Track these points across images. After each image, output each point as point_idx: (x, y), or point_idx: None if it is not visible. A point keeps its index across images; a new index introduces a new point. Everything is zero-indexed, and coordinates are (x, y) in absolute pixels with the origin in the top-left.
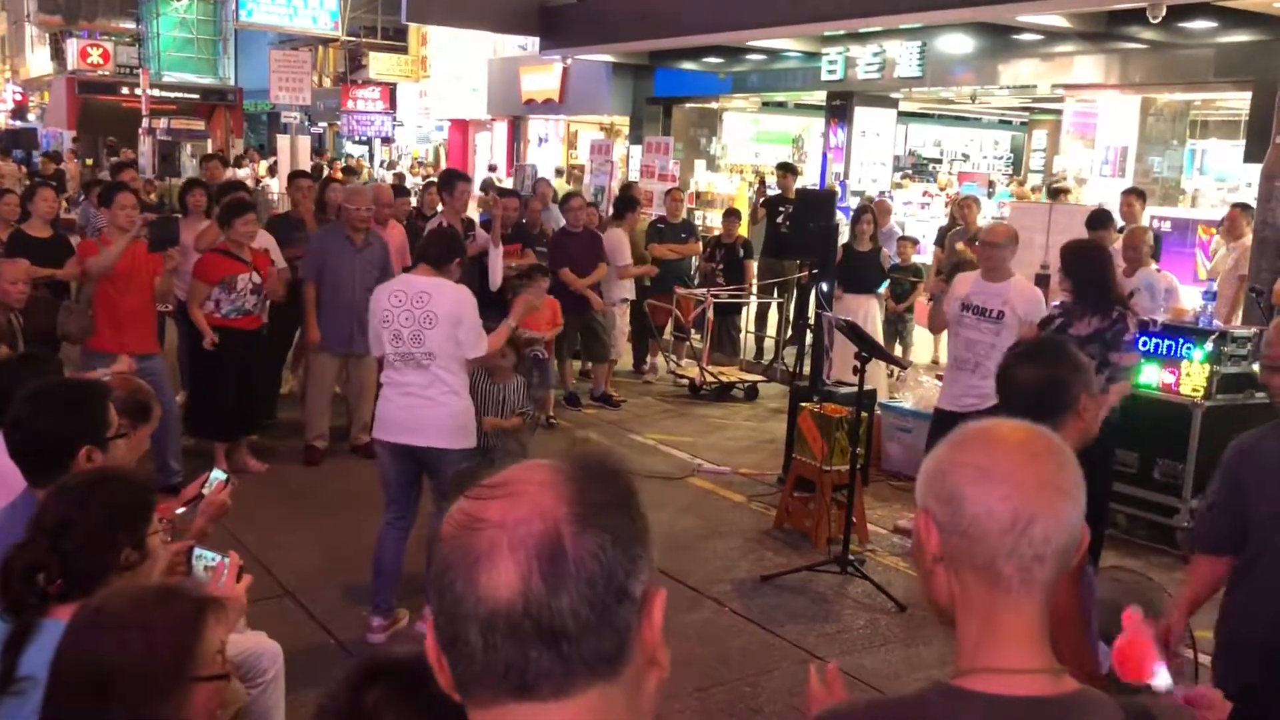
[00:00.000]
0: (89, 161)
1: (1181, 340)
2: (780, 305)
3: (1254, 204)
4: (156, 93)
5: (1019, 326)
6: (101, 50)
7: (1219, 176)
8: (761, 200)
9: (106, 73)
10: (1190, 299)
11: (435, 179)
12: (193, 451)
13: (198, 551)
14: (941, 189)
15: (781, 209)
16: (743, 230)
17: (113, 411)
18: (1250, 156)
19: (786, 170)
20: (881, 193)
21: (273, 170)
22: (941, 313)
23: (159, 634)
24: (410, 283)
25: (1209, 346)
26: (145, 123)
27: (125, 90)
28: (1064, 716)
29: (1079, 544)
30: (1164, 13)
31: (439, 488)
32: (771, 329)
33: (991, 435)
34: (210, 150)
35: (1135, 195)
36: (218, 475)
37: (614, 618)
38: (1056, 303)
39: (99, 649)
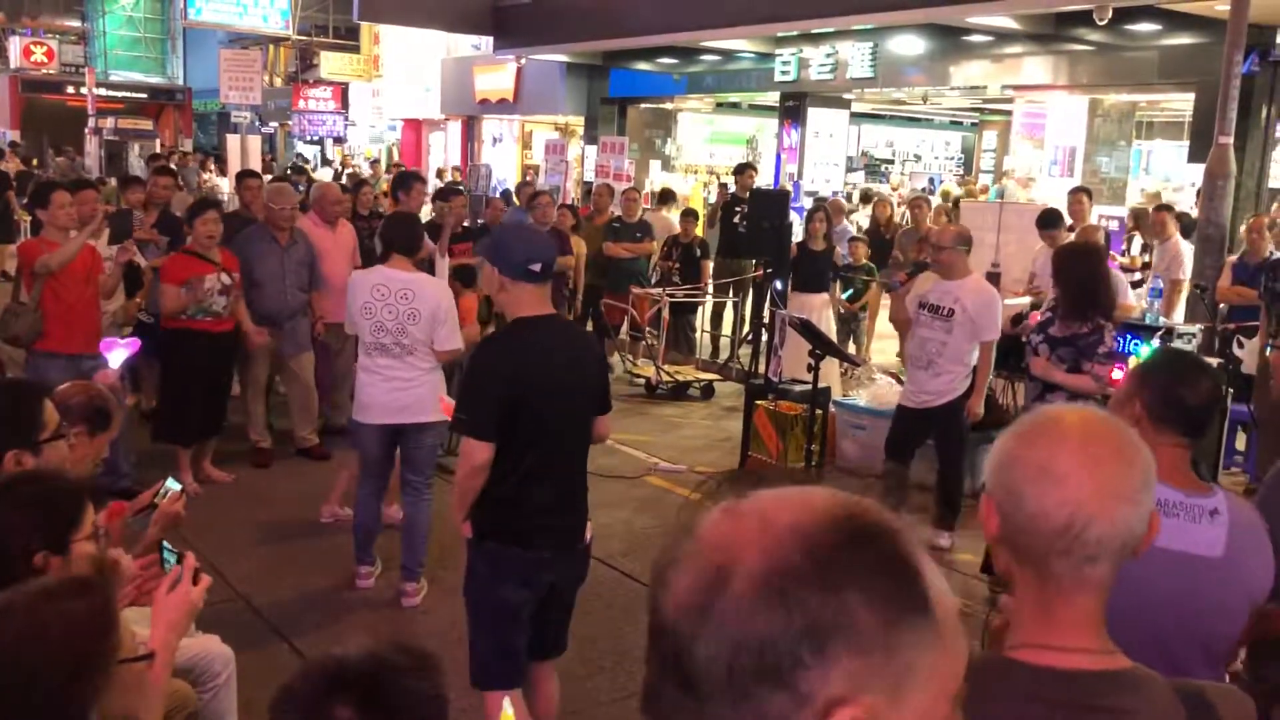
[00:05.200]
0: (34, 162)
1: (1129, 337)
2: (736, 304)
3: (1180, 205)
4: (103, 92)
5: (970, 325)
6: (46, 49)
7: (1164, 177)
8: (720, 203)
9: (51, 71)
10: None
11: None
12: (152, 459)
13: (167, 550)
14: (894, 189)
15: (737, 209)
16: (699, 231)
17: (50, 412)
18: (1194, 157)
19: (745, 169)
20: (835, 192)
21: (222, 170)
22: (903, 310)
23: (71, 627)
24: (390, 277)
25: (1155, 342)
26: (92, 122)
27: (71, 89)
28: (1110, 689)
29: (1144, 537)
30: (1110, 15)
31: (417, 461)
32: (727, 328)
33: (1059, 432)
34: (158, 149)
35: (1084, 193)
36: (172, 485)
37: (754, 700)
38: (1050, 299)
39: (7, 656)
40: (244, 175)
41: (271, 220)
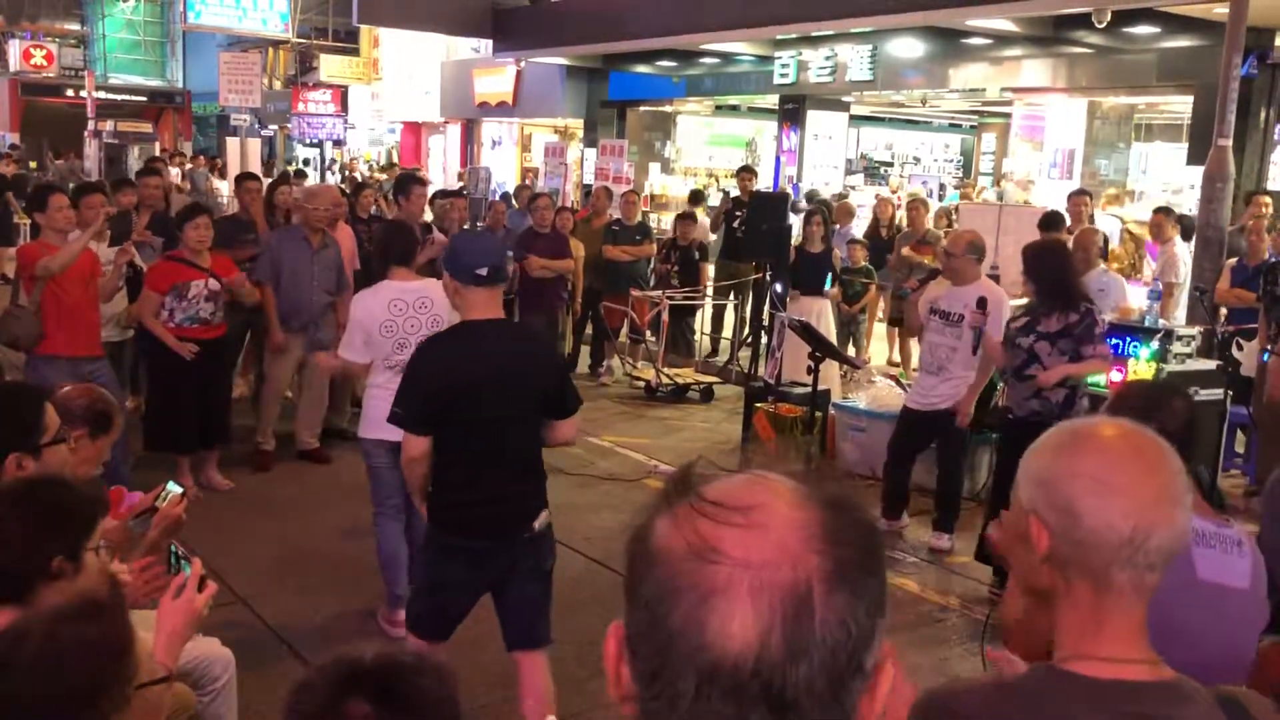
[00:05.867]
0: (33, 165)
1: (1129, 339)
2: (736, 307)
3: (1179, 208)
4: (103, 95)
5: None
6: (45, 52)
7: (1162, 183)
8: (724, 208)
9: (51, 74)
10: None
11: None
12: (153, 462)
13: (176, 555)
14: (893, 191)
15: (738, 213)
16: (700, 234)
17: (51, 415)
18: (1193, 159)
19: (746, 173)
20: (836, 195)
21: (222, 173)
22: (915, 315)
23: (87, 651)
24: (404, 289)
25: (1155, 345)
26: (91, 125)
27: (70, 92)
28: (1163, 700)
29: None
30: (1109, 18)
31: None
32: (727, 331)
33: (1106, 445)
34: (158, 152)
35: (1085, 196)
36: (173, 488)
37: (846, 695)
38: (1023, 303)
39: (23, 680)
40: (243, 178)
41: (305, 221)
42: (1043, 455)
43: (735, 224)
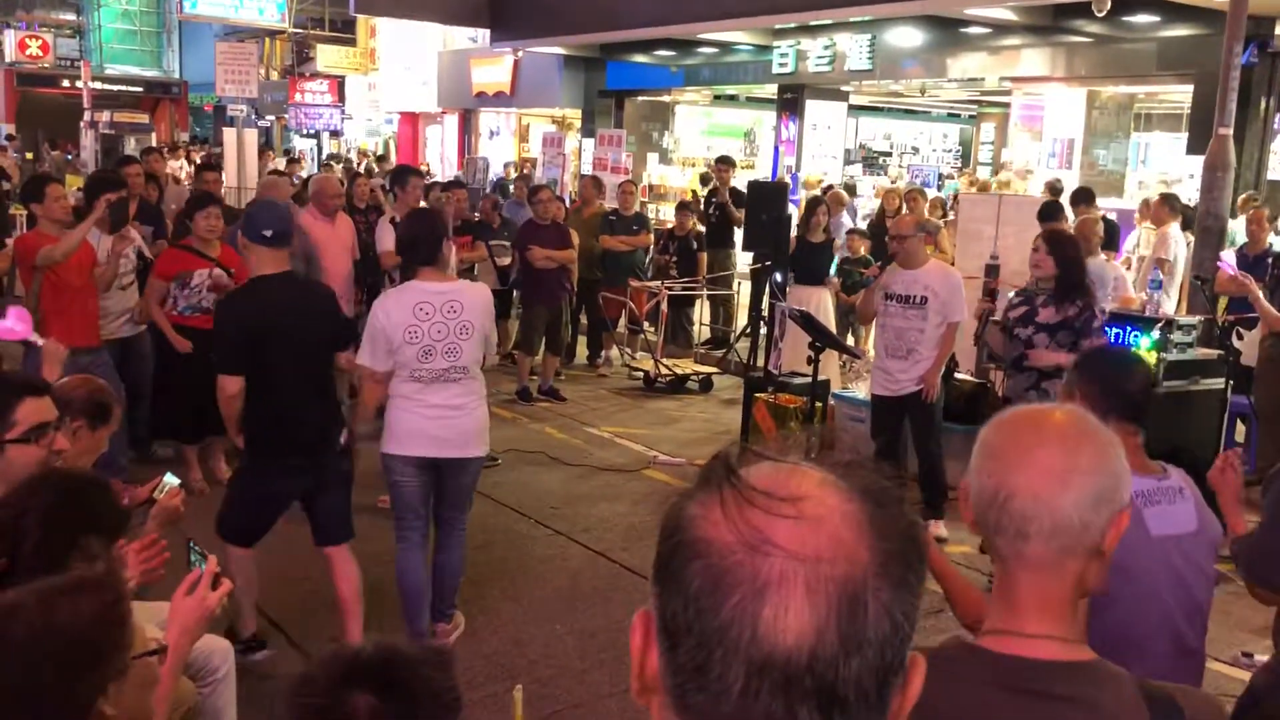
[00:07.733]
0: (29, 155)
1: (1129, 328)
2: (725, 298)
3: (1183, 196)
4: (99, 85)
5: (942, 309)
6: (41, 42)
7: (1161, 172)
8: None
9: (46, 65)
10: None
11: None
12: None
13: (194, 551)
14: (893, 182)
15: (713, 200)
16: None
17: (27, 410)
18: (1192, 149)
19: (724, 164)
20: (830, 185)
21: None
22: (870, 302)
23: (82, 624)
24: (432, 291)
25: (1156, 334)
26: (87, 115)
27: (66, 83)
28: (1071, 679)
29: (1108, 536)
30: (1108, 6)
31: (456, 498)
32: (719, 321)
33: (1018, 419)
34: (154, 143)
35: (1085, 203)
36: (170, 480)
37: (889, 694)
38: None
39: (17, 654)
40: (203, 169)
41: None
42: (982, 431)
43: (710, 212)
